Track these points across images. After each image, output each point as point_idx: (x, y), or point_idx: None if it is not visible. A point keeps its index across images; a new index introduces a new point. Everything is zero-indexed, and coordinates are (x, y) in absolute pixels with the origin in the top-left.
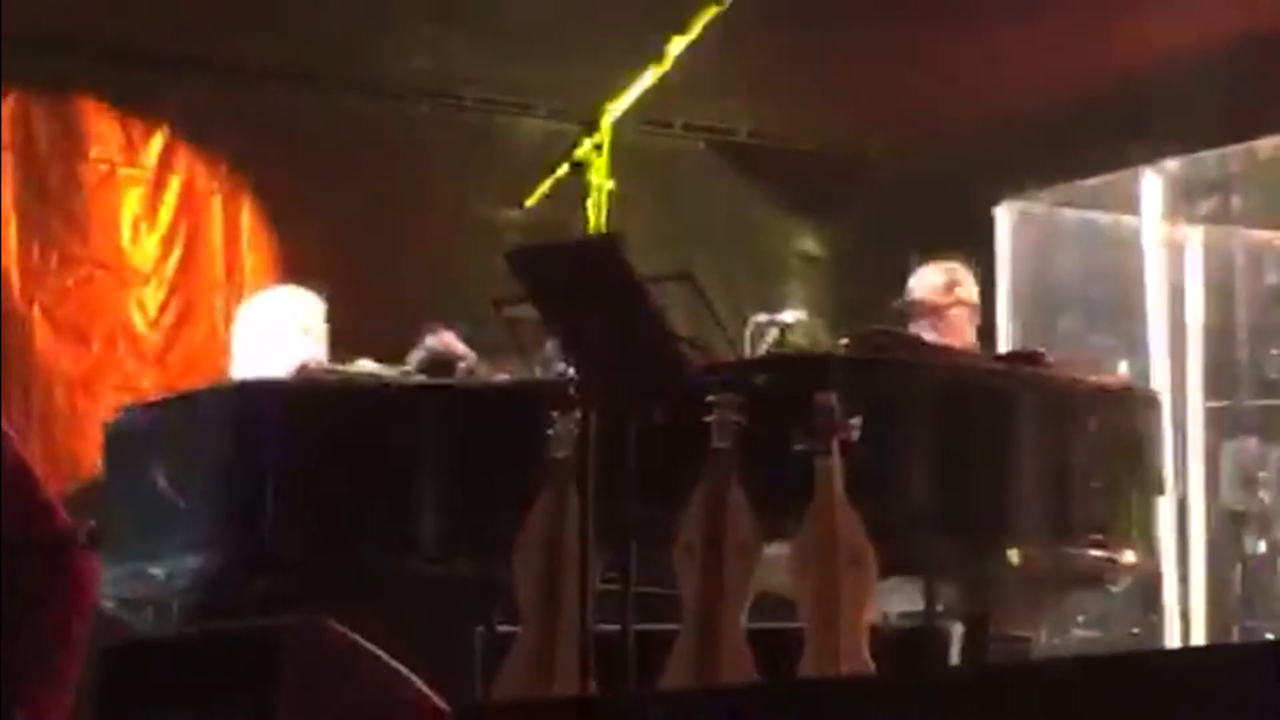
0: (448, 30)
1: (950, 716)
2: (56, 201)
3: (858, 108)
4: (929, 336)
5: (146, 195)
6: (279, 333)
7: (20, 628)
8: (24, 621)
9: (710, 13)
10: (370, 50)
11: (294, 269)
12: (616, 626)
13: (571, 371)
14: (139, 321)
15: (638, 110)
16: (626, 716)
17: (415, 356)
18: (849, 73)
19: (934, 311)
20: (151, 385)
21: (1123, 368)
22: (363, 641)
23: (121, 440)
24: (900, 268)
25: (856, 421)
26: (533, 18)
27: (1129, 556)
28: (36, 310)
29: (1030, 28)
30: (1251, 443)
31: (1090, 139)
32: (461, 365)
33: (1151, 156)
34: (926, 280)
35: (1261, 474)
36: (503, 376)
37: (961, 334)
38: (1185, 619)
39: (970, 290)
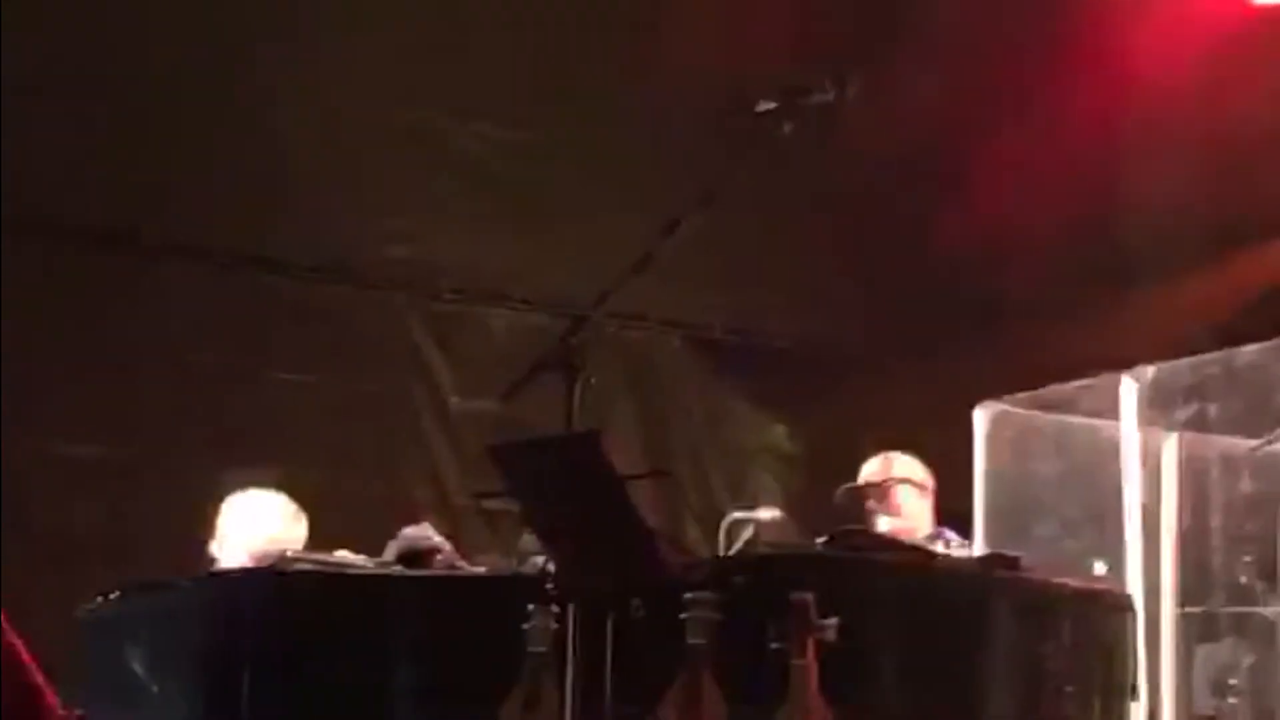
0: (424, 219)
1: None
2: None
3: (831, 304)
4: (877, 519)
5: None
6: (253, 536)
7: None
8: None
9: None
10: (346, 237)
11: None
12: None
13: (549, 565)
14: None
15: (615, 304)
16: None
17: (392, 547)
18: (823, 269)
19: (876, 491)
20: None
21: (1098, 569)
22: None
23: (97, 627)
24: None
25: (832, 621)
26: (507, 208)
27: None
28: None
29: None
30: (1224, 648)
31: (1069, 343)
32: (439, 557)
33: (1129, 362)
34: (865, 468)
35: (1232, 680)
36: (480, 569)
37: (906, 512)
38: None
39: (910, 469)
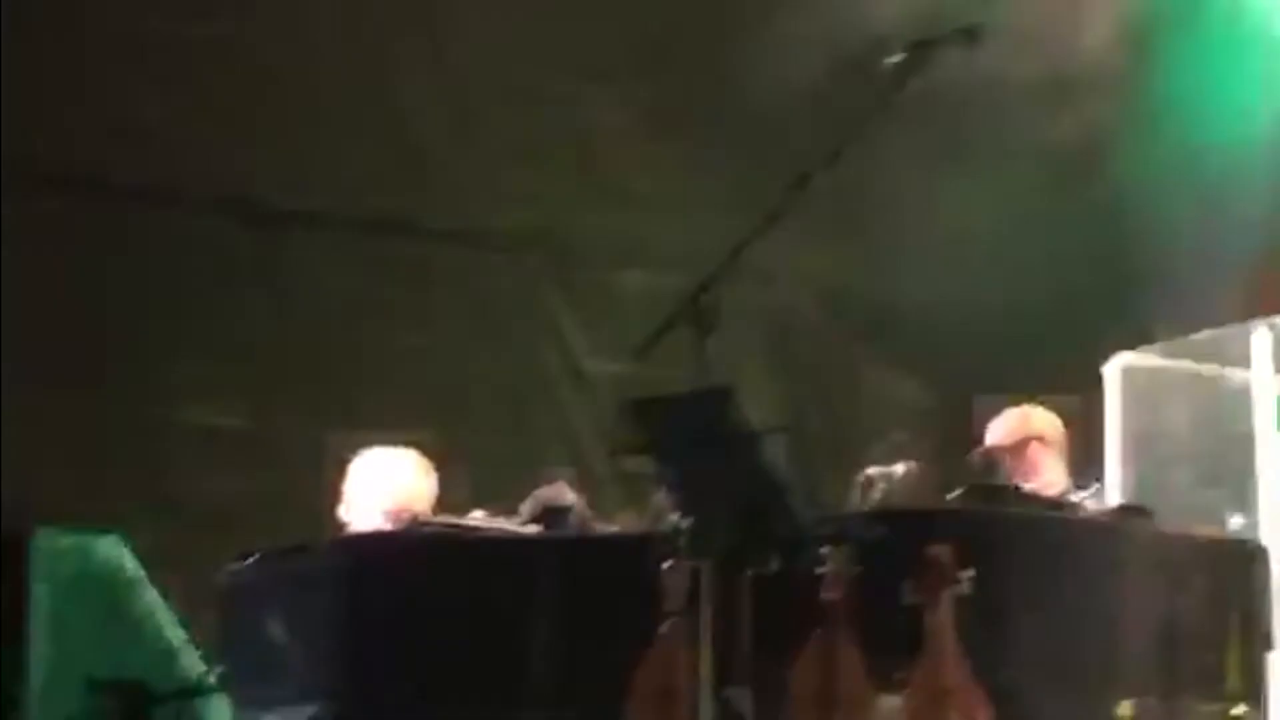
0: (553, 181)
1: None
2: None
3: (964, 261)
4: (1013, 475)
5: None
6: (385, 494)
7: None
8: None
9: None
10: (474, 200)
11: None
12: None
13: (684, 522)
14: None
15: (746, 262)
16: None
17: (526, 507)
18: (952, 225)
19: (1010, 451)
20: None
21: (1233, 522)
22: None
23: (236, 591)
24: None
25: (968, 574)
26: (636, 168)
27: (1239, 711)
28: None
29: None
30: None
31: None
32: (573, 517)
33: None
34: (997, 426)
35: None
36: (614, 527)
37: (1040, 470)
38: None
39: (1044, 424)
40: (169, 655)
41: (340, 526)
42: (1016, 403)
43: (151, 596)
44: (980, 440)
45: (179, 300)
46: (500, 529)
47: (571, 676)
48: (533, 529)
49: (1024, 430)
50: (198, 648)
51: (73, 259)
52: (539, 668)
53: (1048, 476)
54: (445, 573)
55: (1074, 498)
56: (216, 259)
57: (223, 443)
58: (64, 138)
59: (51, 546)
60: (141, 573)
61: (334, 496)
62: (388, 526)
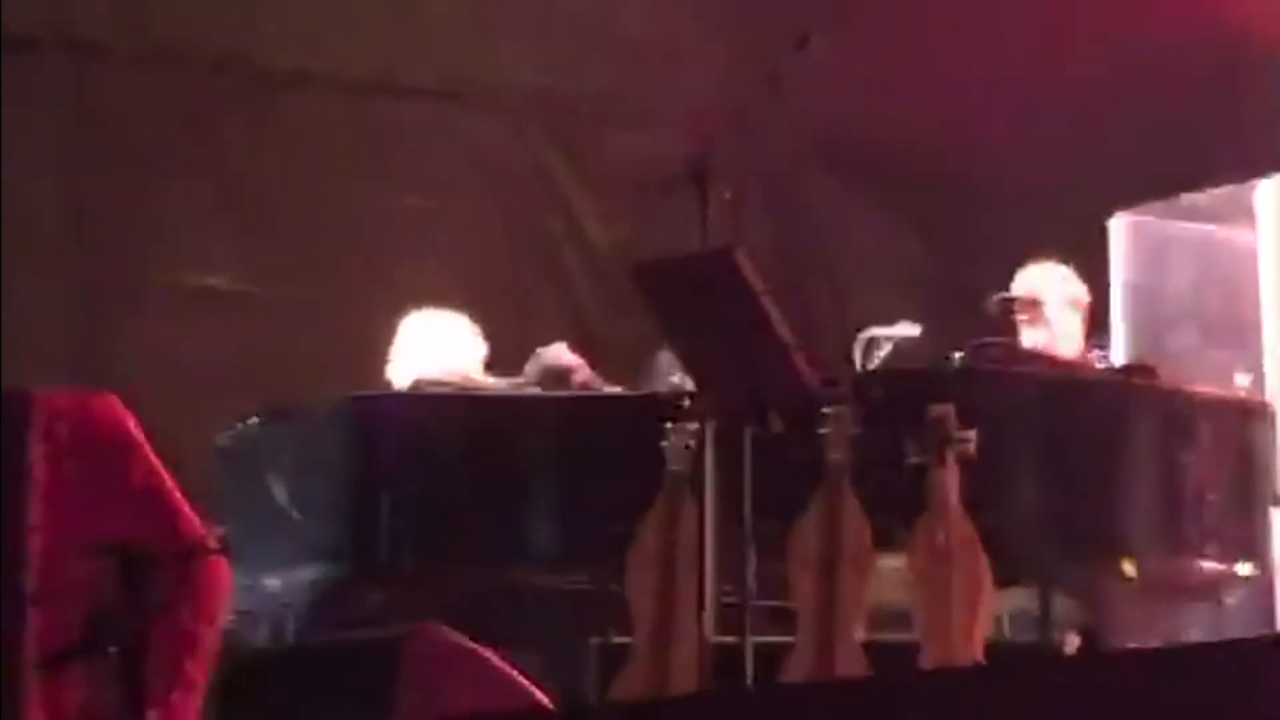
0: (551, 41)
1: None
2: None
3: (968, 122)
4: (1028, 334)
5: None
6: (434, 357)
7: (152, 633)
8: (156, 627)
9: None
10: (473, 61)
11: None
12: (733, 639)
13: (687, 382)
14: None
15: (748, 122)
16: None
17: (529, 368)
18: (958, 86)
19: (1028, 305)
20: None
21: (1239, 380)
22: (476, 646)
23: (235, 453)
24: (1009, 280)
25: (971, 434)
26: (635, 29)
27: (1243, 568)
28: None
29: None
30: None
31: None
32: (576, 377)
33: (1266, 169)
34: (1024, 279)
35: None
36: (617, 388)
37: (1058, 328)
38: None
39: (1065, 283)
40: (170, 518)
41: (388, 386)
42: (1035, 259)
43: (151, 459)
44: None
45: (176, 162)
46: (503, 390)
47: (573, 537)
48: (535, 390)
49: (1044, 285)
50: (198, 511)
51: (70, 122)
52: (541, 528)
53: (1065, 338)
54: (447, 433)
55: (1092, 357)
56: (214, 120)
57: (221, 305)
58: (62, 3)
59: (50, 408)
60: (141, 435)
61: (330, 357)
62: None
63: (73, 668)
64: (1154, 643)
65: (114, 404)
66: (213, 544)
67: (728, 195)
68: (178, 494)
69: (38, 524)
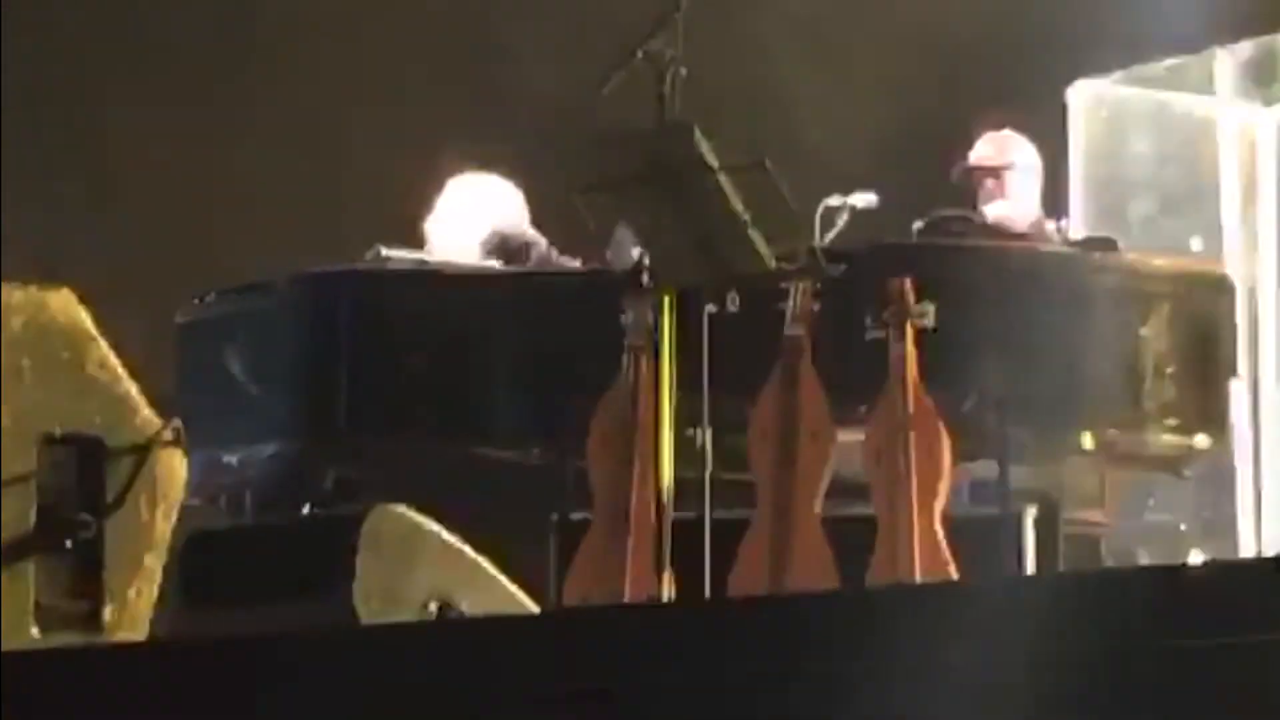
0: None
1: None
2: None
3: None
4: (987, 201)
5: None
6: (482, 222)
7: (108, 526)
8: (112, 520)
9: None
10: None
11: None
12: (691, 514)
13: (646, 258)
14: None
15: None
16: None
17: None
18: None
19: (990, 173)
20: None
21: (1195, 245)
22: (434, 523)
23: (194, 330)
24: (969, 148)
25: (930, 307)
26: None
27: (1201, 440)
28: None
29: None
30: None
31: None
32: (534, 251)
33: (1225, 38)
34: (981, 148)
35: None
36: (575, 262)
37: (1018, 196)
38: (1258, 502)
39: (1025, 152)
40: (125, 409)
41: (423, 238)
42: (997, 128)
43: (107, 352)
44: (947, 169)
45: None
46: (461, 265)
47: (533, 411)
48: (494, 264)
49: (1004, 153)
50: (154, 401)
51: None
52: (500, 403)
53: (1023, 206)
54: (406, 308)
55: (1049, 227)
56: None
57: None
58: None
59: (4, 302)
60: (95, 328)
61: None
62: (482, 252)
63: (28, 562)
64: (1112, 515)
65: (69, 298)
66: (168, 436)
67: (683, 71)
68: (134, 387)
69: None
